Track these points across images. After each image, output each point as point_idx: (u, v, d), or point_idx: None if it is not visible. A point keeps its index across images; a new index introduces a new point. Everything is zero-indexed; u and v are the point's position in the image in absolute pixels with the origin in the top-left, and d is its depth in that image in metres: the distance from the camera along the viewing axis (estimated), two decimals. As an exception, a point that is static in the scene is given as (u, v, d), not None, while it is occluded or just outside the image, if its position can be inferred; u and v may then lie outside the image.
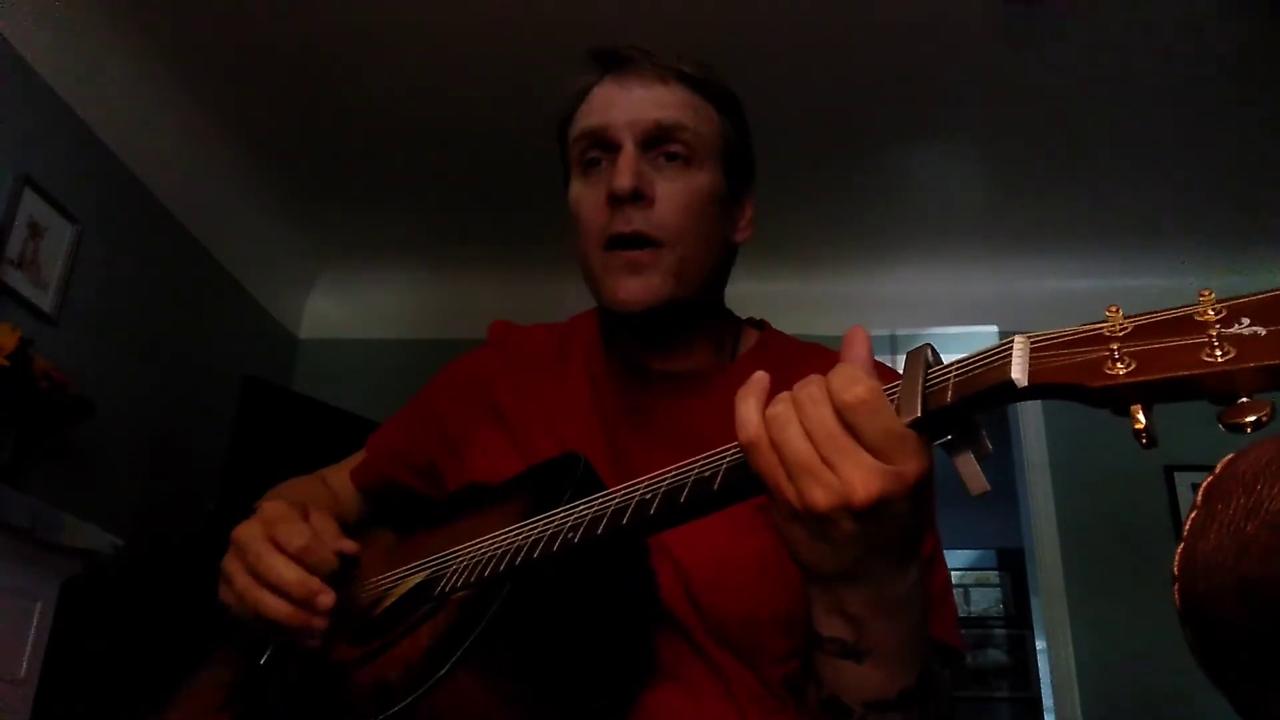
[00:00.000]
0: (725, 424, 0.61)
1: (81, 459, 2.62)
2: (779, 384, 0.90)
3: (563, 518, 0.67)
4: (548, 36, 2.63)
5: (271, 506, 0.80)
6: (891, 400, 0.53)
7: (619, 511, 0.63)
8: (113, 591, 2.63)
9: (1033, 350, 0.48)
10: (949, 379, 0.51)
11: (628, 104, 0.88)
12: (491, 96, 2.89)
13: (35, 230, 2.49)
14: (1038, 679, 3.87)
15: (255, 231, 3.58)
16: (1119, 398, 0.44)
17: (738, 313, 0.99)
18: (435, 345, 3.73)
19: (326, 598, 0.73)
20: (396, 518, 0.97)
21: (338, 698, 0.70)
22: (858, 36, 2.62)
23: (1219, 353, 0.41)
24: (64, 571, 2.09)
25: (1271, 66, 2.64)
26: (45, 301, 2.51)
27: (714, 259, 0.91)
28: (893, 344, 3.62)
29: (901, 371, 0.55)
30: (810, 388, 0.55)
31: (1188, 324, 0.43)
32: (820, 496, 0.53)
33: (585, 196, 0.90)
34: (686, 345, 0.92)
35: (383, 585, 0.81)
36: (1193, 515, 0.46)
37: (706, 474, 0.60)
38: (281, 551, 0.75)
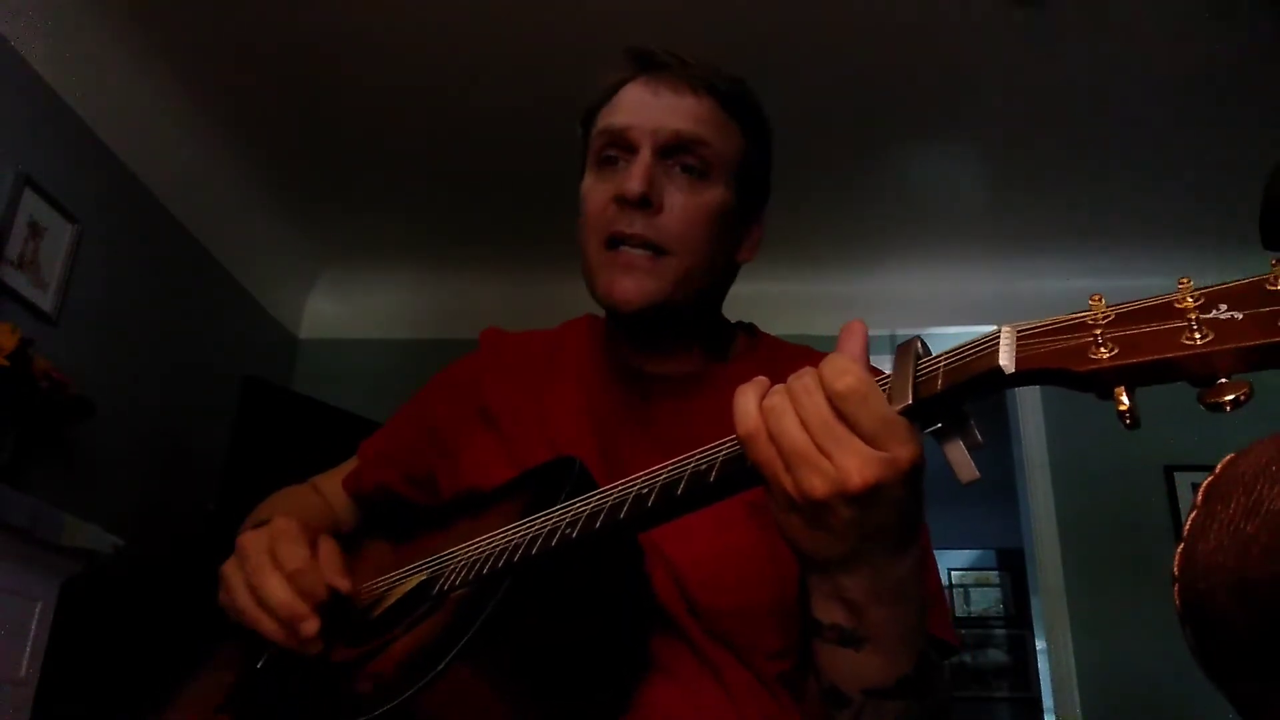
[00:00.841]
0: (718, 426, 0.62)
1: (81, 459, 2.63)
2: (775, 383, 0.91)
3: (560, 514, 0.68)
4: (548, 37, 2.63)
5: (283, 522, 0.80)
6: (883, 390, 0.55)
7: (616, 506, 0.64)
8: (113, 591, 2.63)
9: (1019, 338, 0.50)
10: (939, 368, 0.53)
11: (653, 109, 0.89)
12: (492, 96, 2.89)
13: (35, 230, 2.49)
14: (1038, 679, 3.88)
15: (255, 231, 3.59)
16: (1103, 381, 0.45)
17: (732, 315, 1.00)
18: (435, 345, 3.73)
19: (310, 625, 0.73)
20: (391, 526, 0.97)
21: (336, 695, 0.70)
22: (858, 36, 2.62)
23: (1198, 336, 0.43)
24: (64, 571, 2.09)
25: (1271, 67, 2.64)
26: (45, 301, 2.51)
27: (713, 274, 0.92)
28: (893, 344, 3.61)
29: (891, 368, 0.56)
30: (804, 379, 0.56)
31: (1168, 310, 0.45)
32: (817, 484, 0.54)
33: (595, 191, 0.90)
34: (679, 349, 0.93)
35: (380, 588, 0.81)
36: (1193, 515, 0.46)
37: (703, 467, 0.61)
38: (278, 569, 0.76)
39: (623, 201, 0.86)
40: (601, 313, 0.99)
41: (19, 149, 2.46)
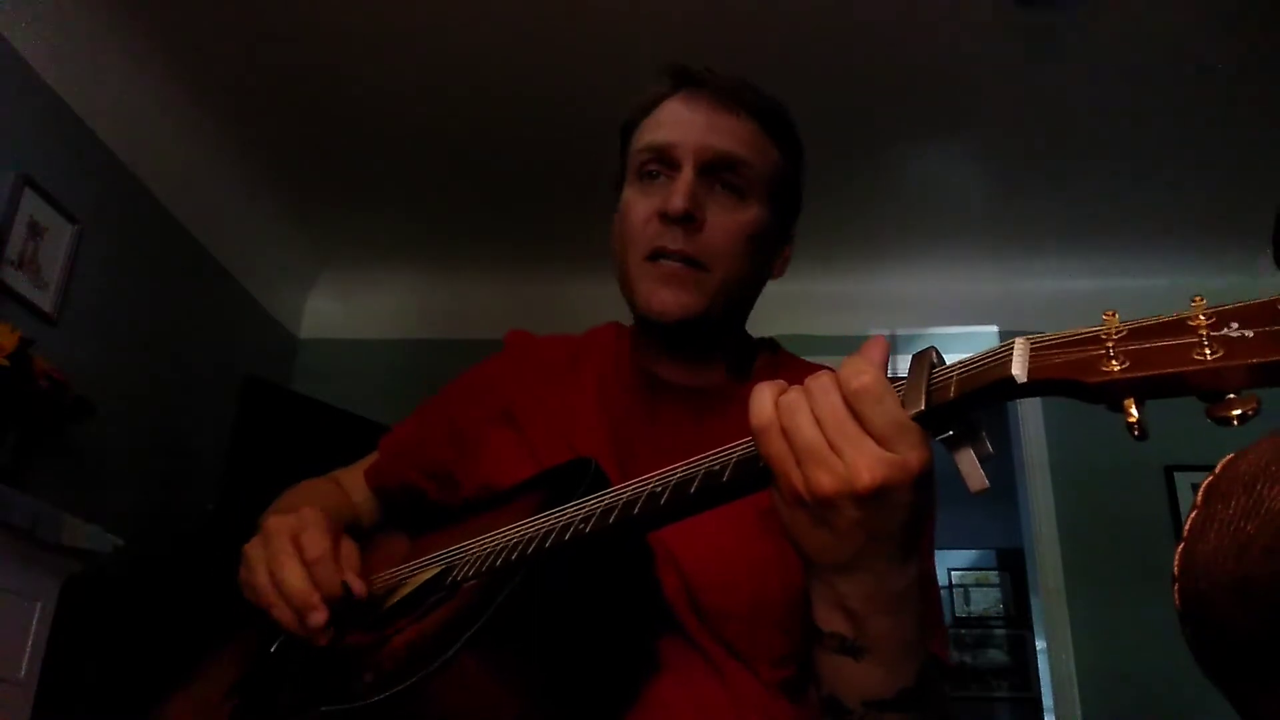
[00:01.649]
0: (735, 439, 0.63)
1: (81, 459, 2.63)
2: None
3: (574, 510, 0.69)
4: (548, 37, 2.63)
5: (310, 512, 0.82)
6: (898, 395, 0.56)
7: (630, 503, 0.65)
8: (113, 591, 2.64)
9: (1033, 350, 0.51)
10: (952, 376, 0.54)
11: (695, 127, 0.91)
12: (492, 97, 2.89)
13: (35, 230, 2.49)
14: (1038, 679, 3.87)
15: (255, 231, 3.59)
16: (1114, 393, 0.46)
17: (749, 330, 1.02)
18: (435, 345, 3.75)
19: (318, 616, 0.75)
20: (409, 521, 0.98)
21: (346, 679, 0.71)
22: (858, 36, 2.62)
23: (1208, 352, 0.44)
24: (64, 571, 2.09)
25: (1271, 68, 2.64)
26: (45, 301, 2.51)
27: (749, 290, 0.95)
28: (893, 344, 3.61)
29: (905, 375, 0.57)
30: (821, 378, 0.57)
31: (1180, 327, 0.46)
32: (826, 481, 0.55)
33: (637, 205, 0.92)
34: (705, 362, 0.95)
35: (396, 578, 0.82)
36: (1193, 515, 0.46)
37: (716, 467, 0.62)
38: (298, 555, 0.78)
39: (666, 218, 0.88)
40: (618, 315, 1.02)
41: (19, 149, 2.46)
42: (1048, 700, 3.42)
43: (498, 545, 0.72)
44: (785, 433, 0.56)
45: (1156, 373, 0.45)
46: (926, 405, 0.54)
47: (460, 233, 3.70)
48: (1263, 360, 0.42)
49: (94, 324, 2.74)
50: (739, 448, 0.62)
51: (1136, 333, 0.47)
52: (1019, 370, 0.50)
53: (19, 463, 2.18)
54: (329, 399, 3.50)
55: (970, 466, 0.54)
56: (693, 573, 0.79)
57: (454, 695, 0.63)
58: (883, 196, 3.37)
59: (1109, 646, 3.29)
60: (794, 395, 0.57)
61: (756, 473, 0.59)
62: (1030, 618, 4.31)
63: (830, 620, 0.63)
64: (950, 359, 0.57)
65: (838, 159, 3.14)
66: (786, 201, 0.97)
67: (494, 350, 1.09)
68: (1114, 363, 0.46)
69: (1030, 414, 3.61)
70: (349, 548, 0.81)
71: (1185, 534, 0.46)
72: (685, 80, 0.95)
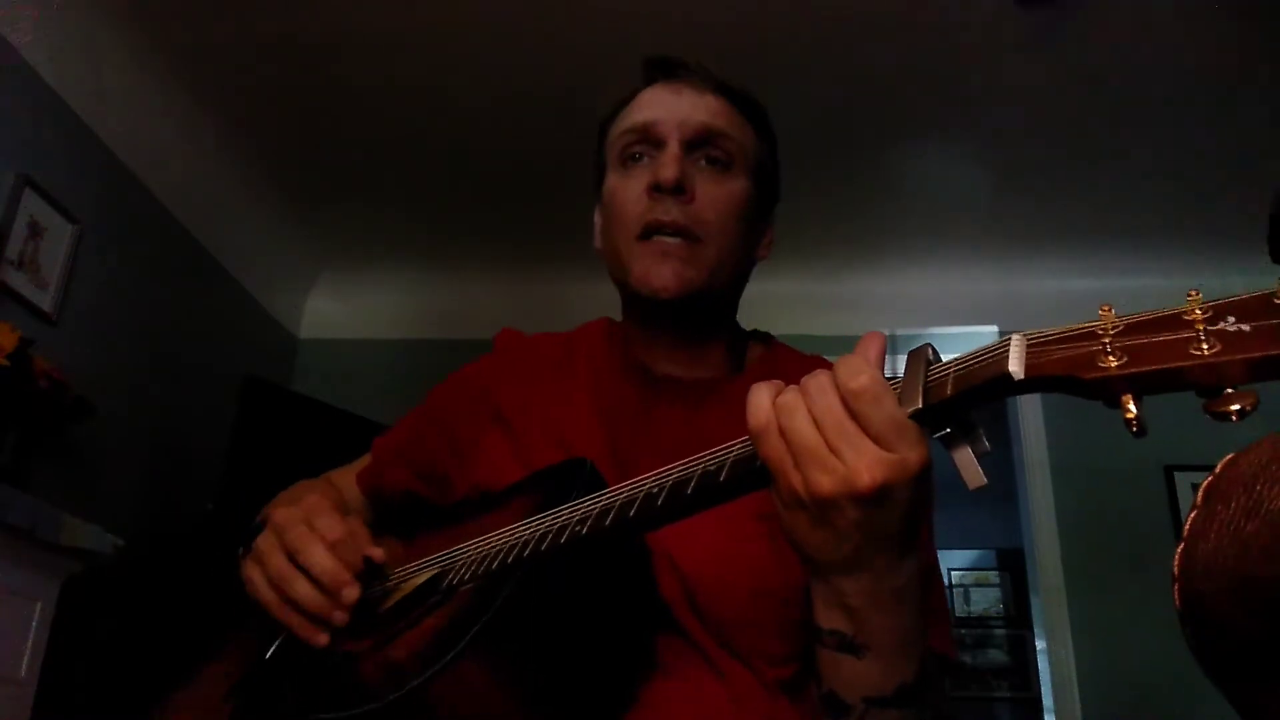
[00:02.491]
0: (731, 434, 0.63)
1: (81, 459, 2.63)
2: None
3: (570, 512, 0.68)
4: (548, 37, 2.63)
5: (315, 499, 0.83)
6: (894, 392, 0.55)
7: (626, 504, 0.64)
8: (113, 591, 2.64)
9: (1029, 346, 0.51)
10: (949, 374, 0.54)
11: (677, 104, 0.92)
12: (492, 97, 2.89)
13: (35, 230, 2.49)
14: (1038, 679, 3.87)
15: (255, 231, 3.59)
16: (1111, 389, 0.46)
17: (742, 320, 1.01)
18: (435, 345, 3.75)
19: (352, 591, 0.75)
20: (403, 524, 0.97)
21: (343, 684, 0.71)
22: (858, 36, 2.62)
23: (1205, 346, 0.43)
24: (64, 571, 2.09)
25: (1271, 67, 2.64)
26: (45, 301, 2.51)
27: (739, 266, 0.95)
28: (893, 344, 3.61)
29: (902, 373, 0.57)
30: (819, 378, 0.57)
31: (1177, 322, 0.45)
32: (826, 482, 0.55)
33: (623, 187, 0.92)
34: (699, 353, 0.94)
35: (391, 582, 0.82)
36: (1193, 515, 0.46)
37: (713, 467, 0.61)
38: (320, 539, 0.78)
39: (658, 190, 0.88)
40: (617, 315, 1.01)
41: (19, 149, 2.46)
42: (1048, 700, 3.41)
43: (494, 549, 0.72)
44: (783, 434, 0.56)
45: (1153, 368, 0.45)
46: (924, 403, 0.53)
47: (460, 233, 3.70)
48: (1261, 355, 0.42)
49: (94, 324, 2.74)
50: (735, 447, 0.61)
51: (1133, 327, 0.47)
52: (1016, 367, 0.49)
53: (19, 463, 2.18)
54: (329, 399, 3.50)
55: (968, 463, 0.53)
56: (691, 573, 0.78)
57: (453, 700, 0.62)
58: (883, 196, 3.37)
59: (1109, 646, 3.29)
60: (791, 396, 0.57)
61: (754, 473, 0.59)
62: (1030, 618, 4.30)
63: (830, 618, 0.63)
64: (948, 358, 0.56)
65: (838, 159, 3.14)
66: (767, 183, 0.97)
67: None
68: (1111, 358, 0.46)
69: (1030, 413, 3.61)
70: (357, 524, 0.82)
71: (1185, 534, 0.46)
72: (660, 71, 0.96)
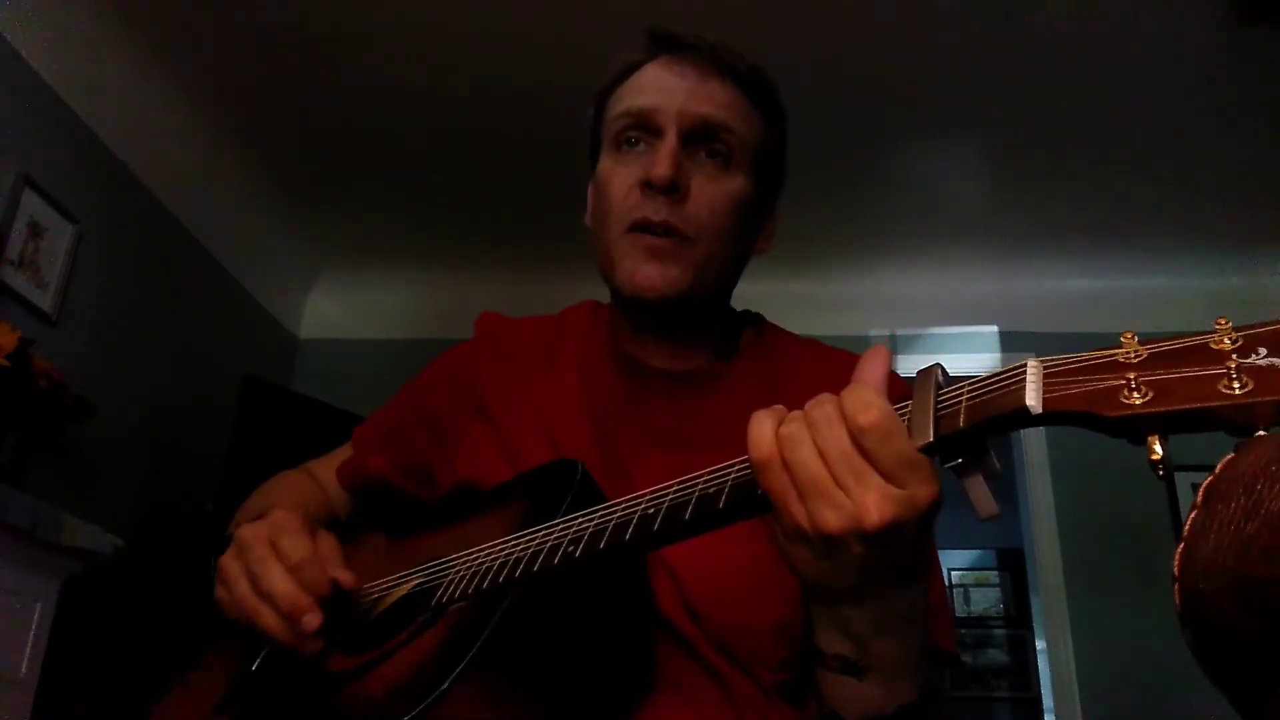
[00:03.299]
0: (722, 425, 0.61)
1: (81, 459, 2.62)
2: (778, 382, 0.89)
3: (563, 529, 0.66)
4: (548, 36, 2.63)
5: (282, 515, 0.79)
6: (903, 420, 0.53)
7: (621, 526, 0.62)
8: (113, 591, 2.63)
9: (1046, 375, 0.48)
10: (960, 402, 0.51)
11: (679, 91, 0.86)
12: (492, 97, 2.89)
13: (35, 230, 2.49)
14: (1038, 679, 3.87)
15: (255, 231, 3.59)
16: (1136, 428, 0.44)
17: (737, 309, 0.98)
18: (435, 345, 3.71)
19: (313, 618, 0.71)
20: (388, 520, 0.95)
21: (332, 711, 0.69)
22: (858, 36, 2.62)
23: (1236, 385, 0.41)
24: (64, 571, 2.09)
25: (1271, 67, 2.64)
26: (45, 301, 2.51)
27: (733, 263, 0.90)
28: (893, 344, 3.62)
29: (912, 393, 0.54)
30: (825, 407, 0.54)
31: (1204, 353, 0.43)
32: (832, 519, 0.52)
33: (616, 175, 0.87)
34: (689, 343, 0.91)
35: (377, 590, 0.80)
36: (1193, 515, 0.46)
37: (711, 490, 0.59)
38: (281, 562, 0.74)
39: (650, 187, 0.83)
40: (605, 299, 0.97)
41: (19, 149, 2.46)
42: (1048, 700, 3.42)
43: (483, 565, 0.69)
44: (788, 466, 0.54)
45: (1182, 408, 0.42)
46: (935, 436, 0.51)
47: (460, 233, 3.70)
48: None
49: (94, 324, 2.74)
50: (734, 469, 0.59)
51: (1157, 357, 0.44)
52: (1033, 401, 0.47)
53: (19, 463, 2.18)
54: (329, 399, 3.50)
55: (980, 492, 0.51)
56: (689, 581, 0.77)
57: None
58: (883, 196, 3.37)
59: (1109, 646, 3.29)
60: (796, 427, 0.54)
61: (754, 500, 0.56)
62: (1030, 618, 4.30)
63: (832, 643, 0.62)
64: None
65: (838, 159, 3.14)
66: (771, 173, 0.92)
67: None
68: (1135, 394, 0.43)
69: (1030, 414, 3.60)
70: (328, 543, 0.78)
71: (1185, 534, 0.46)
72: (666, 45, 0.90)
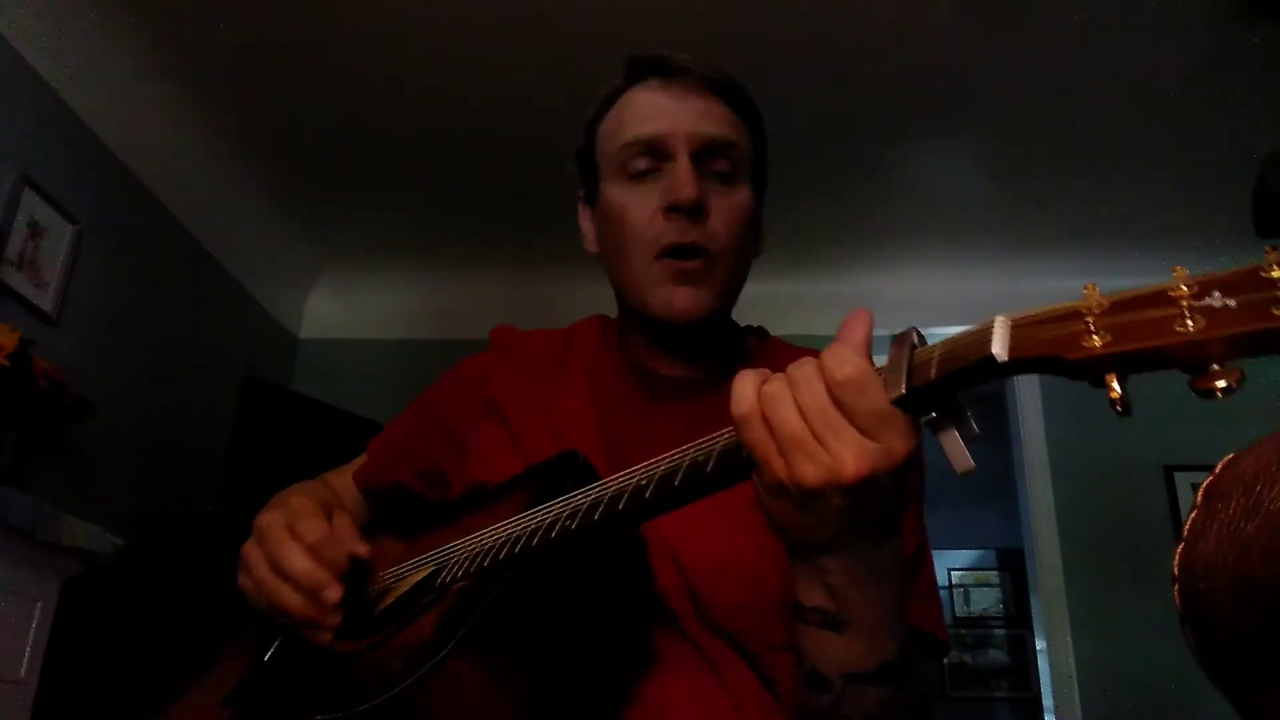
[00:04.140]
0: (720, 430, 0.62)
1: (81, 459, 2.63)
2: None
3: (560, 506, 0.68)
4: (548, 38, 2.63)
5: (297, 501, 0.82)
6: (878, 377, 0.55)
7: (615, 497, 0.64)
8: (113, 591, 2.63)
9: (1013, 327, 0.50)
10: (933, 357, 0.53)
11: (683, 114, 0.89)
12: (492, 97, 2.89)
13: (35, 230, 2.49)
14: (1038, 679, 3.87)
15: (255, 231, 3.59)
16: (1095, 369, 0.46)
17: (735, 313, 1.00)
18: (435, 345, 3.74)
19: (333, 592, 0.75)
20: (400, 523, 0.97)
21: (338, 685, 0.71)
22: (858, 36, 2.62)
23: (1190, 323, 0.43)
24: (64, 571, 2.09)
25: (1275, 65, 2.64)
26: (45, 301, 2.51)
27: (745, 274, 0.93)
28: (893, 344, 3.61)
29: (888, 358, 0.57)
30: (805, 367, 0.57)
31: (1162, 299, 0.45)
32: (810, 472, 0.55)
33: (634, 204, 0.89)
34: (699, 353, 0.94)
35: (387, 582, 0.81)
36: (1193, 515, 0.46)
37: (700, 458, 0.61)
38: (299, 542, 0.78)
39: (677, 210, 0.85)
40: (612, 313, 1.00)
41: (19, 149, 2.46)
42: (1048, 700, 3.42)
43: (485, 545, 0.72)
44: (768, 422, 0.56)
45: (1138, 347, 0.44)
46: (907, 388, 0.53)
47: (460, 233, 3.70)
48: (1245, 330, 0.41)
49: (94, 324, 2.74)
50: (722, 437, 0.61)
51: (1118, 306, 0.46)
52: (999, 349, 0.49)
53: (19, 463, 2.18)
54: (329, 399, 3.50)
55: (954, 447, 0.53)
56: (691, 565, 0.78)
57: (447, 698, 0.62)
58: (882, 196, 3.37)
59: (1109, 646, 3.29)
60: (777, 385, 0.57)
61: (742, 462, 0.59)
62: (1030, 618, 4.30)
63: (811, 595, 0.64)
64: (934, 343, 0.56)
65: (838, 159, 3.14)
66: (763, 182, 0.96)
67: (492, 350, 1.07)
68: (1095, 338, 0.45)
69: (1030, 413, 3.61)
70: (343, 522, 0.81)
71: (1185, 534, 0.46)
72: (653, 69, 0.92)
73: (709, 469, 0.60)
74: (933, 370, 0.52)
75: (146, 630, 2.72)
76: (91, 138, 2.74)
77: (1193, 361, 0.43)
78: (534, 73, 2.76)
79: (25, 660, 1.95)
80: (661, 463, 0.64)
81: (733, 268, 0.89)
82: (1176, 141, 2.99)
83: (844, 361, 0.55)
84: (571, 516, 0.66)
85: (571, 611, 0.70)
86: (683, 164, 0.86)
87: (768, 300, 2.89)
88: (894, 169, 3.22)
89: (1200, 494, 0.46)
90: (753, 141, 0.94)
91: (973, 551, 6.48)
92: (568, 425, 0.90)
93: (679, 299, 0.86)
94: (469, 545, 0.75)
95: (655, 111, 0.90)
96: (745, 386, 0.58)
